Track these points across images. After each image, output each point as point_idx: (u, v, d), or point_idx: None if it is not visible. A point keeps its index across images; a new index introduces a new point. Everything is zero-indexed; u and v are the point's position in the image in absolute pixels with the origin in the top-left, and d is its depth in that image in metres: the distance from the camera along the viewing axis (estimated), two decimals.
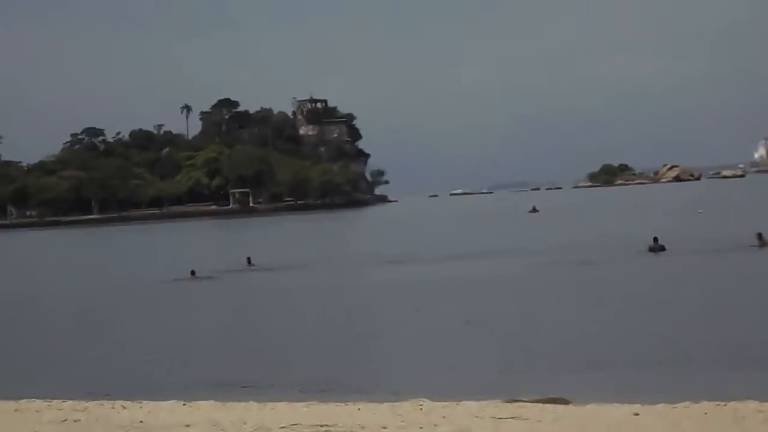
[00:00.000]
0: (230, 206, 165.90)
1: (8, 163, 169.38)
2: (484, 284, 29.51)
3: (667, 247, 35.44)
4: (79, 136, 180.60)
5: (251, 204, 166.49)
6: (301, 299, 28.92)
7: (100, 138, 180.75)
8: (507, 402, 12.06)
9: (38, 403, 13.36)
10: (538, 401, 11.97)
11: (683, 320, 19.88)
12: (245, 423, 10.90)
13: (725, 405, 11.13)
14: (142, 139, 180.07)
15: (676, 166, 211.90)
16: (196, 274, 37.25)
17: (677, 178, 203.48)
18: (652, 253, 35.18)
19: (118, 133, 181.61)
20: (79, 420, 11.78)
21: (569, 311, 22.49)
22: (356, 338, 20.03)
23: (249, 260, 40.22)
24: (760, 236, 34.43)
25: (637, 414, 10.81)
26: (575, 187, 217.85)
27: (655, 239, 35.81)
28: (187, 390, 14.46)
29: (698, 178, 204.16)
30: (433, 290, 28.54)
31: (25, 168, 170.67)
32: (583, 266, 33.01)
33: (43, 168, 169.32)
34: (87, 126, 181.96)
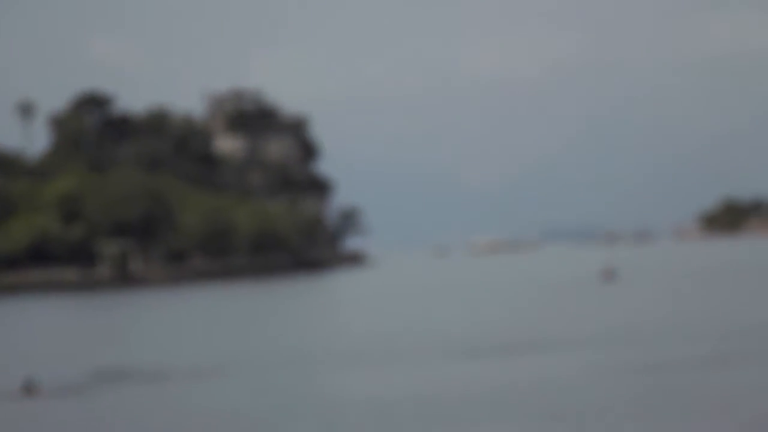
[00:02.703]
0: (99, 272, 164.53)
1: None
2: (519, 401, 28.19)
3: None
4: None
5: (133, 268, 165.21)
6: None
7: None
8: None
9: None
10: None
11: None
12: None
13: None
14: None
15: None
16: (36, 387, 37.61)
17: None
18: None
19: None
20: None
21: None
22: None
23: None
24: None
25: None
26: (679, 237, 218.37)
27: None
28: None
29: None
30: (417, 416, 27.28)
31: None
32: (703, 371, 32.46)
33: None
34: None
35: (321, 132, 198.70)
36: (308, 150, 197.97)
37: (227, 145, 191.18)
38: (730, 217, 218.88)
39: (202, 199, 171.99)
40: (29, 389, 37.46)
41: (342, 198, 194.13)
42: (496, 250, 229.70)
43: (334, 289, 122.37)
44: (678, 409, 26.52)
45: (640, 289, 75.03)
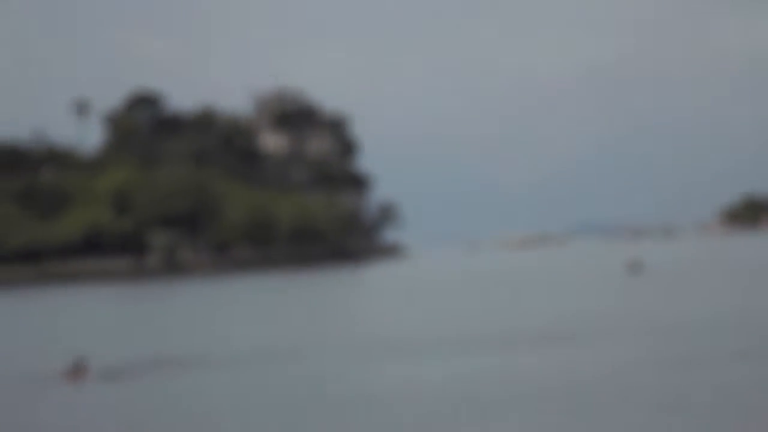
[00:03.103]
0: (148, 261, 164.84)
1: None
2: (546, 394, 27.85)
3: None
4: None
5: (180, 258, 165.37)
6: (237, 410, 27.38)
7: None
8: None
9: None
10: None
11: None
12: None
13: None
14: (7, 158, 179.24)
15: None
16: (84, 369, 37.34)
17: None
18: None
19: None
20: None
21: None
22: None
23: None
24: None
25: None
26: (702, 232, 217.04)
27: None
28: None
29: None
30: (450, 403, 27.02)
31: None
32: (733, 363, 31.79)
33: None
34: None
35: (363, 129, 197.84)
36: (347, 147, 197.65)
37: (270, 141, 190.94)
38: (750, 213, 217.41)
39: (246, 193, 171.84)
40: (77, 371, 37.11)
41: (381, 192, 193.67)
42: (527, 244, 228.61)
43: (371, 279, 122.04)
44: (709, 402, 25.73)
45: (665, 282, 74.33)
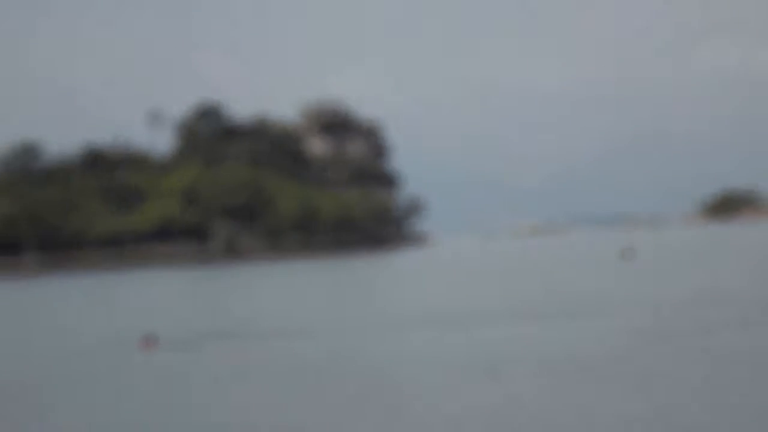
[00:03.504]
0: (211, 248, 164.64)
1: None
2: (552, 361, 27.36)
3: None
4: (10, 156, 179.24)
5: (238, 244, 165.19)
6: (296, 374, 26.99)
7: (37, 157, 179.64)
8: None
9: None
10: None
11: None
12: None
13: None
14: (92, 159, 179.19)
15: None
16: (154, 341, 37.43)
17: None
18: None
19: (60, 153, 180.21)
20: None
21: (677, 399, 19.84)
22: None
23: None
24: None
25: None
26: (685, 222, 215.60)
27: None
28: None
29: None
30: (479, 362, 26.63)
31: None
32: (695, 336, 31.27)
33: None
34: (20, 139, 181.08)
35: (398, 132, 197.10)
36: (380, 149, 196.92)
37: (315, 146, 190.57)
38: (725, 206, 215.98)
39: (294, 190, 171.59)
40: (149, 342, 36.95)
41: (409, 188, 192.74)
42: (535, 233, 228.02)
43: (401, 263, 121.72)
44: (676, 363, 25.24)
45: (655, 266, 73.83)
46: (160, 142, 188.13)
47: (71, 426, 23.03)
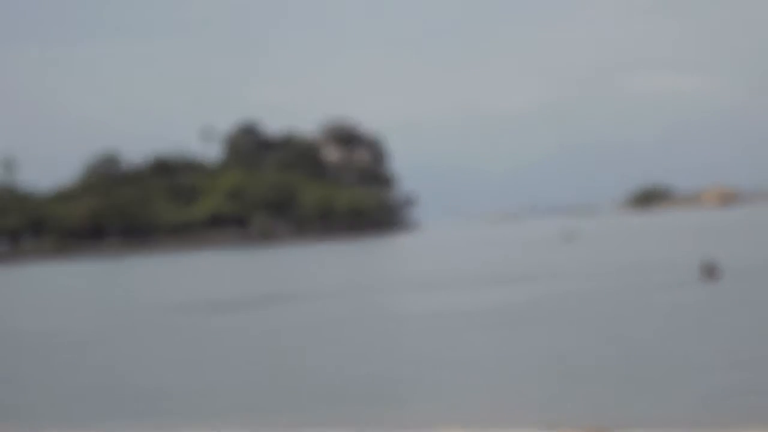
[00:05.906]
0: (253, 233, 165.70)
1: (26, 196, 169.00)
2: (516, 312, 28.54)
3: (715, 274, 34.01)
4: (96, 163, 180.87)
5: (272, 231, 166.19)
6: (325, 330, 28.05)
7: (117, 164, 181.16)
8: None
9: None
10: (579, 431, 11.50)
11: (746, 346, 18.92)
12: None
13: None
14: (159, 165, 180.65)
15: (720, 189, 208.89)
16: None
17: (723, 202, 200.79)
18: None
19: (136, 161, 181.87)
20: None
21: (613, 336, 21.64)
22: (386, 370, 19.37)
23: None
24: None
25: None
26: (614, 211, 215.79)
27: (708, 265, 34.33)
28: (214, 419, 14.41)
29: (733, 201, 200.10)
30: (466, 319, 27.75)
31: (43, 197, 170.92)
32: (627, 292, 31.85)
33: (60, 197, 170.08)
34: (103, 148, 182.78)
35: (396, 140, 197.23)
36: (381, 156, 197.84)
37: (331, 154, 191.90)
38: (646, 198, 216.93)
39: (315, 189, 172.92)
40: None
41: (406, 183, 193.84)
42: (503, 220, 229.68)
43: (401, 243, 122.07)
44: (628, 314, 26.15)
45: (593, 245, 73.47)
46: (211, 152, 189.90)
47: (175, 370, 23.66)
